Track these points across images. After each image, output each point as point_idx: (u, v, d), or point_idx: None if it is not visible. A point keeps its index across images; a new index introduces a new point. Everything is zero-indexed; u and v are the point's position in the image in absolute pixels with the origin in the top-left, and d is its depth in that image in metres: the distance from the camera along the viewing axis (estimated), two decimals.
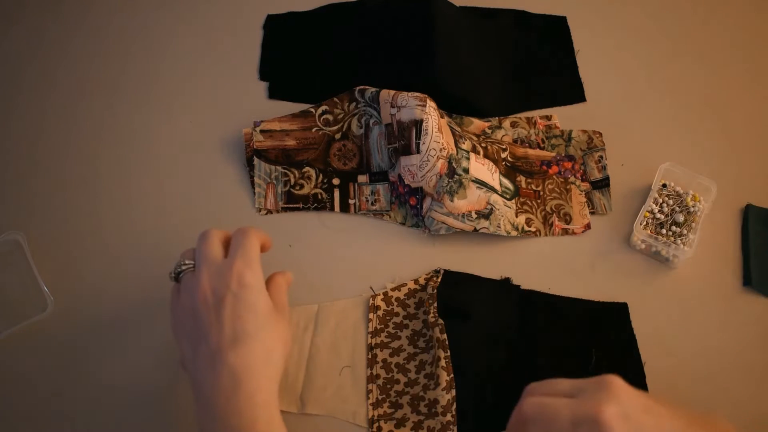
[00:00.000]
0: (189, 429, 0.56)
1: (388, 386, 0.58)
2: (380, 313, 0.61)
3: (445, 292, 0.61)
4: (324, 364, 0.59)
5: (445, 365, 0.56)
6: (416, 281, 0.63)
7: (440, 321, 0.58)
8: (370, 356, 0.59)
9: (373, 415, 0.56)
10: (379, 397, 0.57)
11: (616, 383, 0.43)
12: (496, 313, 0.61)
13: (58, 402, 0.57)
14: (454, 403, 0.55)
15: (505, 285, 0.63)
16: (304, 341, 0.60)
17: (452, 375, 0.56)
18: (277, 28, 0.78)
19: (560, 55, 0.77)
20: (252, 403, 0.47)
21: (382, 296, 0.61)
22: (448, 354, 0.57)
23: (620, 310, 0.62)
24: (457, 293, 0.61)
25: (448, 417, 0.54)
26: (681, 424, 0.42)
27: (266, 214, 0.67)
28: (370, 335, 0.60)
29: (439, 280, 0.62)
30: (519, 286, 0.63)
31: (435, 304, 0.60)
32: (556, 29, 0.79)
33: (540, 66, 0.76)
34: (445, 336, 0.58)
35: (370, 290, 0.62)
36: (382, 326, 0.60)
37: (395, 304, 0.61)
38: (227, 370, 0.47)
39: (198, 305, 0.49)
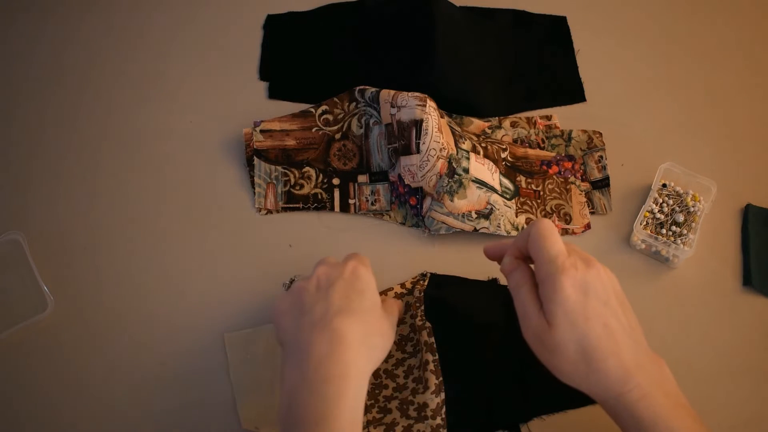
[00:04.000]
0: (188, 427, 0.57)
1: (377, 391, 0.57)
2: None
3: (431, 294, 0.61)
4: None
5: (433, 368, 0.55)
6: (402, 285, 0.62)
7: (428, 324, 0.58)
8: None
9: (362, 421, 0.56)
10: (368, 403, 0.56)
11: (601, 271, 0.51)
12: (483, 314, 0.61)
13: (59, 401, 0.57)
14: (444, 407, 0.54)
15: (492, 286, 0.63)
16: (275, 364, 0.58)
17: (441, 378, 0.55)
18: (277, 28, 0.78)
19: (560, 55, 0.77)
20: (343, 374, 0.45)
21: None
22: (437, 357, 0.56)
23: None
24: (444, 295, 0.61)
25: (438, 420, 0.54)
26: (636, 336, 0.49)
27: (266, 214, 0.67)
28: None
29: (426, 283, 0.62)
30: (506, 286, 0.63)
31: (422, 307, 0.59)
32: (556, 29, 0.79)
33: (540, 66, 0.76)
34: (432, 339, 0.57)
35: None
36: None
37: None
38: (327, 333, 0.46)
39: (308, 286, 0.50)
